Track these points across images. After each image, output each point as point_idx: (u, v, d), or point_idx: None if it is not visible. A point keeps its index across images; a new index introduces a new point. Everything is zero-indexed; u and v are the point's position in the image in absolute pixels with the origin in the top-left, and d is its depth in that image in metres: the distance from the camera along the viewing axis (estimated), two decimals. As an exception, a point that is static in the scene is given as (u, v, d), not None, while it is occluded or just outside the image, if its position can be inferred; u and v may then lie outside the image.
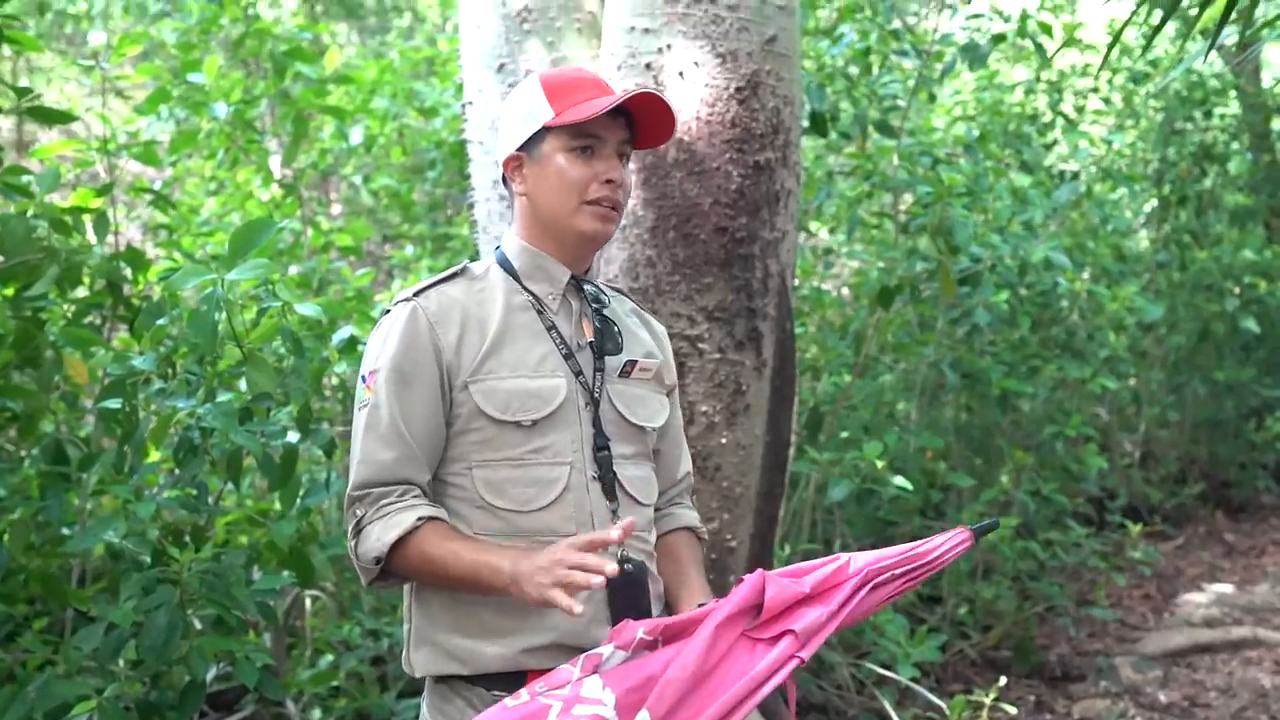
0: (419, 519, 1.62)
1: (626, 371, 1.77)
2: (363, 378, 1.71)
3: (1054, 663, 4.34)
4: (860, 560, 1.65)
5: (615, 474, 1.72)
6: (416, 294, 1.72)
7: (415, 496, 1.67)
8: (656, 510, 1.87)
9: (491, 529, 1.67)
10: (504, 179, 1.79)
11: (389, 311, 1.73)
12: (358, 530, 1.66)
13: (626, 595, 1.68)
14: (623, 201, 1.73)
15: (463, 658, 1.66)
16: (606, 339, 1.75)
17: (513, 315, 1.72)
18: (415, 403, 1.67)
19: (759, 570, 1.60)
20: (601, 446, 1.71)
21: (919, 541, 1.69)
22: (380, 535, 1.62)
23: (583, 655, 1.54)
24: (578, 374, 1.72)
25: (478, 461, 1.68)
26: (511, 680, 1.62)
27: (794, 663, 1.55)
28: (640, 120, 1.74)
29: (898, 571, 1.66)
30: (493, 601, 1.64)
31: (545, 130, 1.71)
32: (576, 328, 1.76)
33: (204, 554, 2.38)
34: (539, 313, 1.74)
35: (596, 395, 1.73)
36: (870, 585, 1.63)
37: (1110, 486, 5.83)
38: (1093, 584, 4.99)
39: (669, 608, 1.78)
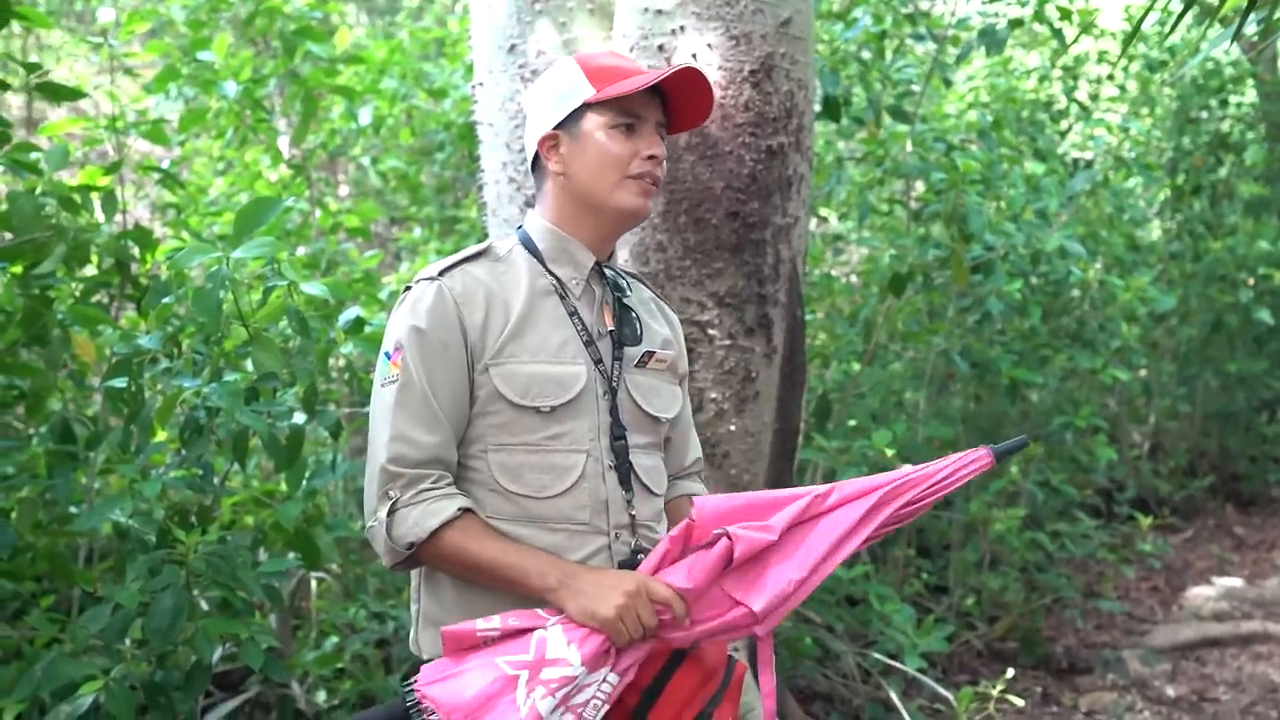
0: (459, 509, 1.61)
1: (643, 362, 1.77)
2: (386, 354, 1.68)
3: (1061, 655, 4.32)
4: (847, 489, 1.61)
5: (631, 463, 1.71)
6: (441, 273, 1.69)
7: (449, 484, 1.65)
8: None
9: (504, 513, 1.66)
10: (533, 161, 1.77)
11: (409, 289, 1.71)
12: (392, 511, 1.62)
13: None
14: (660, 176, 1.73)
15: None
16: (626, 328, 1.75)
17: (536, 299, 1.71)
18: (445, 380, 1.65)
19: (722, 532, 1.57)
20: (618, 435, 1.71)
21: (925, 465, 1.65)
22: (419, 521, 1.60)
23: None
24: (597, 362, 1.71)
25: (494, 445, 1.67)
26: None
27: (746, 632, 1.58)
28: (674, 104, 1.74)
29: (899, 503, 1.61)
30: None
31: (585, 108, 1.70)
32: (598, 315, 1.75)
33: (210, 535, 2.37)
34: (561, 298, 1.72)
35: (614, 384, 1.72)
36: (866, 523, 1.59)
37: (1119, 478, 5.80)
38: (1101, 576, 4.97)
39: None
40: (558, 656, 1.51)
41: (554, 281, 1.73)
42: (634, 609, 1.54)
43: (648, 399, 1.76)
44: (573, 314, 1.72)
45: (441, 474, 1.64)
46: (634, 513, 1.70)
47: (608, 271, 1.78)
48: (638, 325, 1.77)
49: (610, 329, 1.74)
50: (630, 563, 1.67)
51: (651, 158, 1.70)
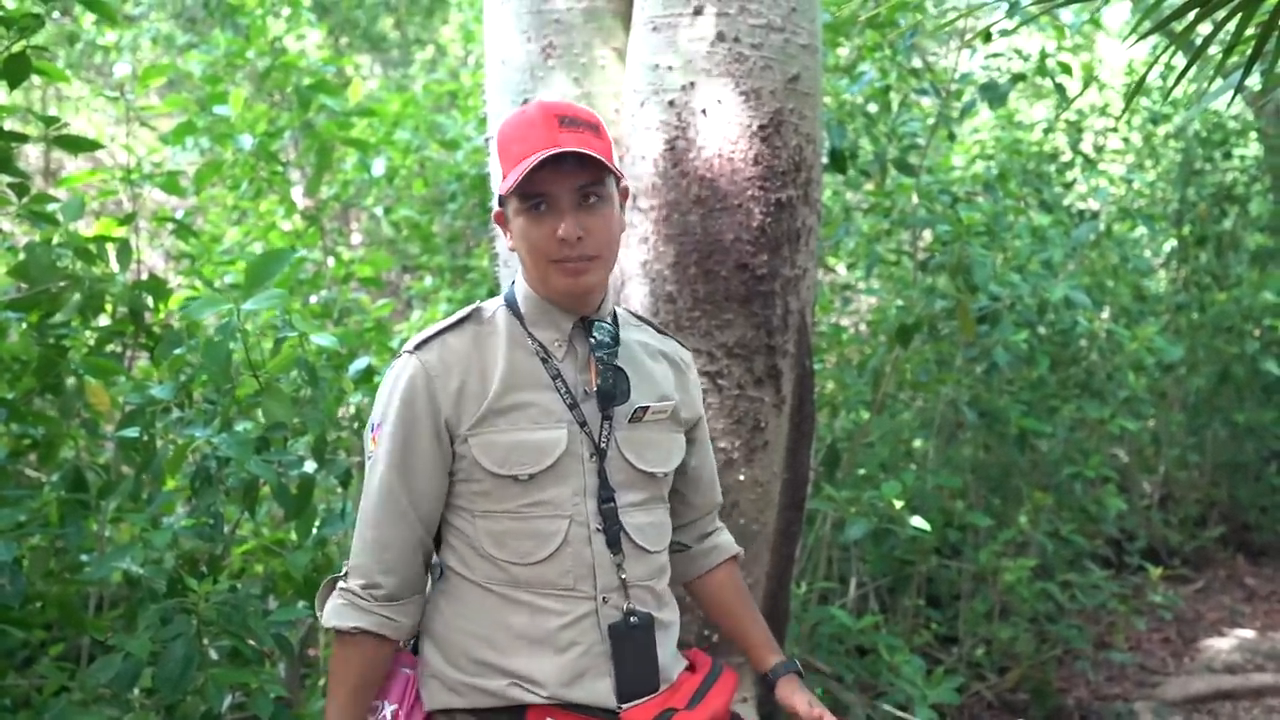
0: (354, 628, 1.67)
1: (638, 416, 1.74)
2: (371, 426, 1.71)
3: (1072, 707, 4.28)
4: None
5: (621, 525, 1.70)
6: (419, 346, 1.70)
7: (381, 598, 1.69)
8: (699, 541, 1.88)
9: (494, 578, 1.68)
10: None
11: (398, 358, 1.73)
12: (332, 586, 1.74)
13: (631, 648, 1.68)
14: (595, 250, 1.65)
15: (460, 691, 1.68)
16: (615, 386, 1.70)
17: (516, 365, 1.70)
18: (416, 466, 1.67)
19: None
20: (606, 498, 1.69)
21: None
22: (333, 612, 1.70)
23: None
24: (582, 425, 1.69)
25: (481, 512, 1.68)
26: (512, 714, 1.65)
27: None
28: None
29: None
30: (489, 641, 1.67)
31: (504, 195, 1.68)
32: (583, 374, 1.72)
33: (221, 584, 2.38)
34: (544, 360, 1.71)
35: (603, 445, 1.70)
36: None
37: (1129, 528, 5.77)
38: (1112, 627, 4.93)
39: (733, 642, 1.82)
40: None
41: (537, 345, 1.71)
42: None
43: (641, 454, 1.73)
44: (556, 377, 1.70)
45: (377, 586, 1.68)
46: (625, 575, 1.69)
47: (600, 326, 1.73)
48: (626, 381, 1.72)
49: (597, 388, 1.70)
50: (623, 625, 1.67)
51: (564, 241, 1.62)
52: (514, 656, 1.65)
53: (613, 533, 1.68)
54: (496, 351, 1.70)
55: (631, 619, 1.67)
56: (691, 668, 1.81)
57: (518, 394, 1.68)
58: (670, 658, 1.75)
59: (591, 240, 1.64)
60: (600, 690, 1.65)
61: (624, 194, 1.74)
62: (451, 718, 1.70)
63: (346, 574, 1.71)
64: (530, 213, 1.64)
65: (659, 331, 1.89)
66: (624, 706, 1.67)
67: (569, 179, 1.63)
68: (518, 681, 1.64)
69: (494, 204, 1.76)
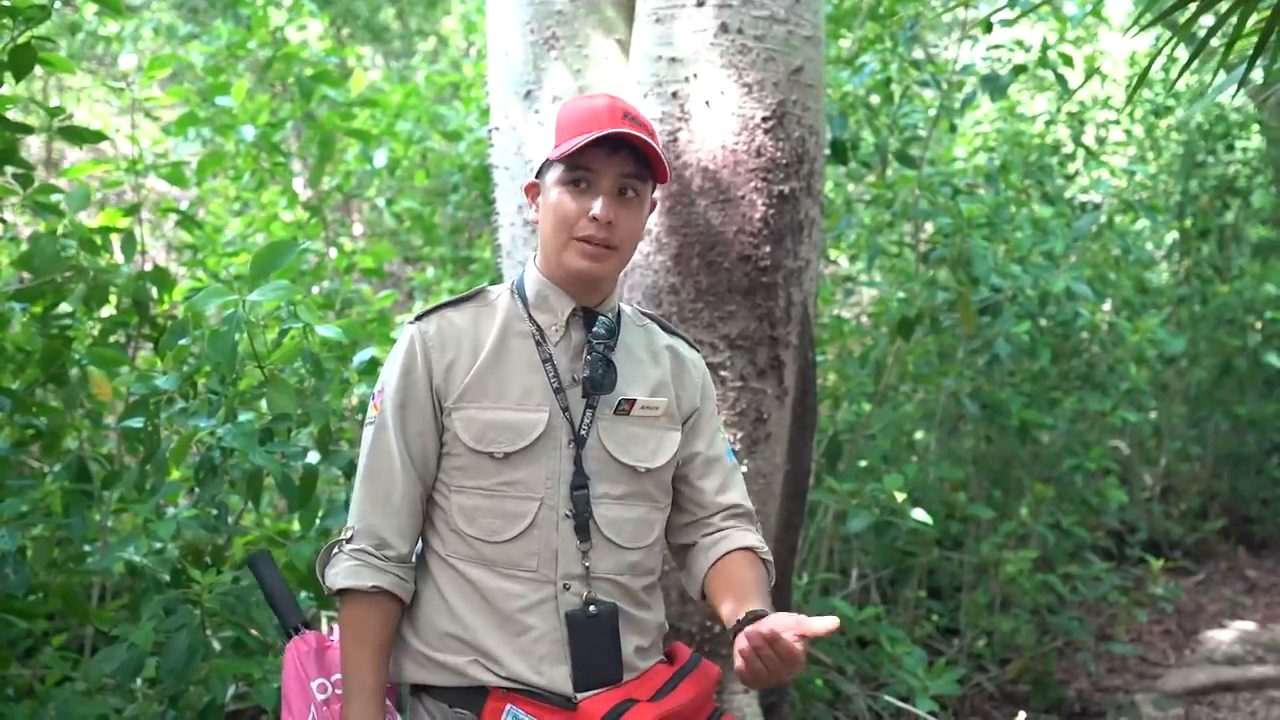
0: (373, 586, 1.67)
1: (624, 410, 1.74)
2: (375, 393, 1.76)
3: (1073, 699, 4.29)
4: None
5: (591, 513, 1.70)
6: (420, 317, 1.76)
7: (390, 556, 1.70)
8: (705, 535, 1.82)
9: (460, 553, 1.70)
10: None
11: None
12: (337, 550, 1.73)
13: (590, 638, 1.68)
14: (618, 241, 1.69)
15: (426, 666, 1.70)
16: (603, 377, 1.71)
17: (507, 344, 1.73)
18: (414, 428, 1.71)
19: None
20: (579, 485, 1.70)
21: None
22: (340, 574, 1.69)
23: None
24: (564, 410, 1.71)
25: (455, 487, 1.71)
26: (473, 695, 1.66)
27: None
28: (653, 154, 1.69)
29: None
30: (455, 616, 1.68)
31: (549, 161, 1.71)
32: (575, 361, 1.74)
33: (224, 575, 2.38)
34: (538, 344, 1.73)
35: (583, 433, 1.71)
36: None
37: (1130, 520, 5.78)
38: (1113, 619, 4.94)
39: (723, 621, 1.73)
40: None
41: (534, 328, 1.74)
42: None
43: (624, 447, 1.73)
44: (546, 360, 1.72)
45: (389, 546, 1.69)
46: (589, 564, 1.69)
47: (601, 318, 1.74)
48: (614, 373, 1.72)
49: (586, 375, 1.71)
50: (581, 614, 1.67)
51: (594, 219, 1.65)
52: (478, 632, 1.66)
53: (581, 520, 1.69)
54: (490, 330, 1.74)
55: (591, 608, 1.68)
56: (669, 661, 1.80)
57: (504, 372, 1.71)
58: (637, 652, 1.74)
59: (618, 231, 1.68)
60: (557, 677, 1.66)
61: (652, 206, 1.77)
62: (416, 696, 1.72)
63: (351, 537, 1.70)
64: (570, 186, 1.68)
65: (667, 330, 1.89)
66: (580, 696, 1.66)
67: (617, 165, 1.67)
68: (479, 659, 1.66)
69: (531, 173, 1.77)
